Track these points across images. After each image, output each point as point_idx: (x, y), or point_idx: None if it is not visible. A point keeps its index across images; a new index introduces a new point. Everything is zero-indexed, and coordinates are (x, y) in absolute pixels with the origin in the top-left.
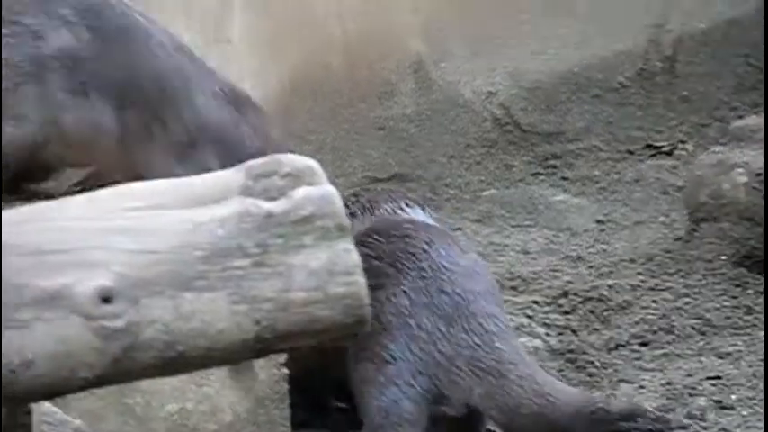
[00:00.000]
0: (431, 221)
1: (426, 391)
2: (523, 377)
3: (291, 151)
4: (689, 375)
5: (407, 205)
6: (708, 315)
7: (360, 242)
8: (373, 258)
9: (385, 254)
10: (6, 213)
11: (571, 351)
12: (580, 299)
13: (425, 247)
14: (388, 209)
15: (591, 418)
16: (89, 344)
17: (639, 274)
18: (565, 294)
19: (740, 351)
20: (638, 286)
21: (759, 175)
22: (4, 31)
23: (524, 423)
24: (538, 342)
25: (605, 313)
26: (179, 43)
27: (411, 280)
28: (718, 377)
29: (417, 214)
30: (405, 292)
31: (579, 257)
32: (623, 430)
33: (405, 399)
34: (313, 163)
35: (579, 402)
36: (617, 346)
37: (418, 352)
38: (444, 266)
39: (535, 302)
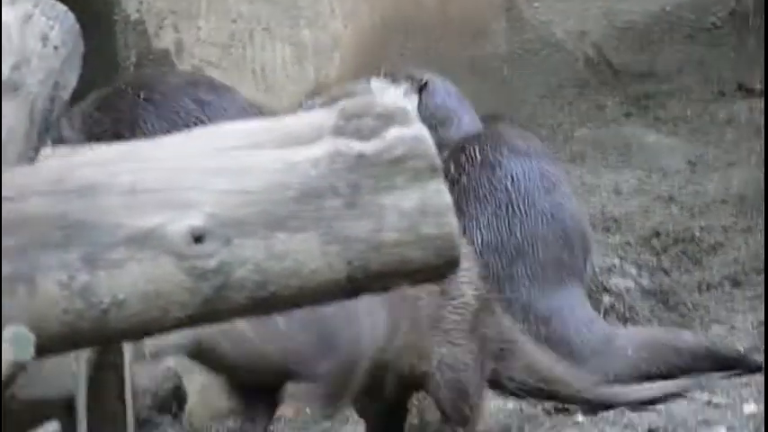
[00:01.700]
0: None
1: None
2: (571, 330)
3: None
4: None
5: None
6: None
7: (452, 152)
8: (460, 175)
9: (471, 177)
10: (101, 152)
11: (663, 292)
12: (672, 240)
13: (509, 184)
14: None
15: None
16: (181, 284)
17: (731, 215)
18: (657, 235)
19: None
20: (730, 227)
21: None
22: None
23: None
24: (630, 283)
25: (697, 254)
26: None
27: (487, 216)
28: None
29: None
30: (479, 228)
31: (671, 198)
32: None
33: None
34: (405, 103)
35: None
36: (709, 287)
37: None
38: (520, 208)
39: (627, 243)
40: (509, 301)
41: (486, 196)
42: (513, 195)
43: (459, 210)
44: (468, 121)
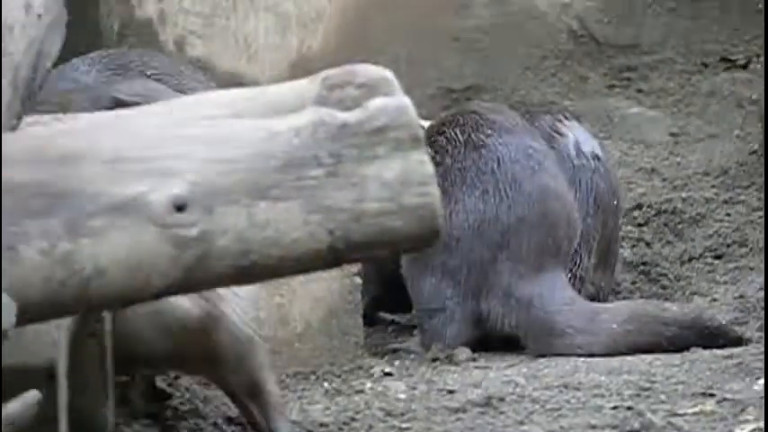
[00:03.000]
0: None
1: (471, 312)
2: (553, 311)
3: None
4: (761, 289)
5: (566, 118)
6: None
7: (436, 133)
8: (446, 156)
9: (458, 158)
10: (83, 120)
11: (645, 263)
12: (654, 211)
13: (495, 166)
14: (547, 121)
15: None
16: (163, 252)
17: (713, 187)
18: (639, 207)
19: None
20: (712, 199)
21: None
22: None
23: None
24: None
25: (679, 226)
26: None
27: (474, 199)
28: None
29: (576, 129)
30: (467, 211)
31: (653, 170)
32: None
33: (451, 322)
34: (388, 73)
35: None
36: (690, 259)
37: (468, 275)
38: (506, 192)
39: None
40: (490, 287)
41: (471, 179)
42: (499, 177)
43: (444, 192)
44: None
